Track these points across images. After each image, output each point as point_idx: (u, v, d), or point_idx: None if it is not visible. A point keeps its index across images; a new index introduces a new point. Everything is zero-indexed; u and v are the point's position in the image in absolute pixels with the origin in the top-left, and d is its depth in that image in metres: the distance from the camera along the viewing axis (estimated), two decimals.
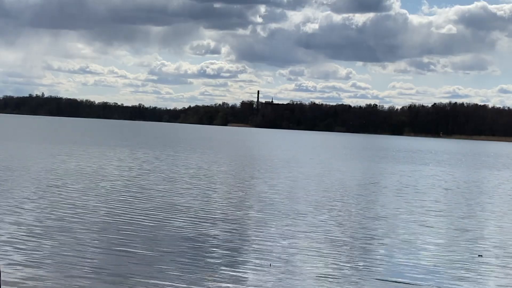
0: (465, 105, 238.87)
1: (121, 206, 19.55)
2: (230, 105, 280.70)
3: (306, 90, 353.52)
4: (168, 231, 15.79)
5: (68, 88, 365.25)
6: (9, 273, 10.97)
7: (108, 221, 16.72)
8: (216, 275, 11.67)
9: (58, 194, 21.47)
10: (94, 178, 27.34)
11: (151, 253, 13.23)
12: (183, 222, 17.19)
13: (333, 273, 12.22)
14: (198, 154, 50.16)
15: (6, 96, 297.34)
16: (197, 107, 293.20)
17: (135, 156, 44.50)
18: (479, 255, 14.55)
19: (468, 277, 12.49)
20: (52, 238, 14.04)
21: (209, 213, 18.93)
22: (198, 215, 18.45)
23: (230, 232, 16.11)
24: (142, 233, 15.33)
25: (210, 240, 14.90)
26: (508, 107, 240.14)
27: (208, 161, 42.85)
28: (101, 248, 13.39)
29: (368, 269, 12.69)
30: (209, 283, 11.15)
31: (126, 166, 34.59)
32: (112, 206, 19.34)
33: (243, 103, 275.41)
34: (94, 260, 12.37)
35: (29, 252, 12.65)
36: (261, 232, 16.25)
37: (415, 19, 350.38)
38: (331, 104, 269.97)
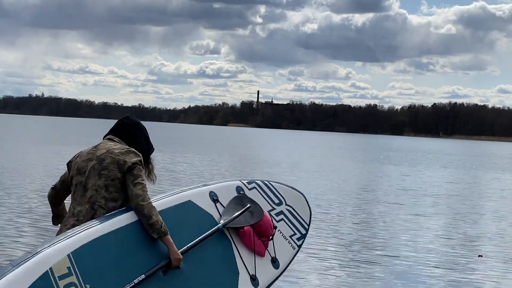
0: (465, 105, 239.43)
1: None
2: (230, 105, 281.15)
3: (306, 90, 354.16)
4: None
5: (68, 88, 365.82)
6: None
7: None
8: None
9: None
10: None
11: None
12: None
13: (334, 273, 12.24)
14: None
15: (6, 96, 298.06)
16: (197, 107, 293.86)
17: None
18: (479, 255, 14.57)
19: (468, 277, 12.51)
20: None
21: None
22: None
23: None
24: None
25: None
26: (508, 107, 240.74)
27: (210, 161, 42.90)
28: None
29: (368, 269, 12.72)
30: None
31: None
32: None
33: (243, 103, 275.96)
34: None
35: None
36: None
37: (414, 19, 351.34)
38: (331, 104, 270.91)
